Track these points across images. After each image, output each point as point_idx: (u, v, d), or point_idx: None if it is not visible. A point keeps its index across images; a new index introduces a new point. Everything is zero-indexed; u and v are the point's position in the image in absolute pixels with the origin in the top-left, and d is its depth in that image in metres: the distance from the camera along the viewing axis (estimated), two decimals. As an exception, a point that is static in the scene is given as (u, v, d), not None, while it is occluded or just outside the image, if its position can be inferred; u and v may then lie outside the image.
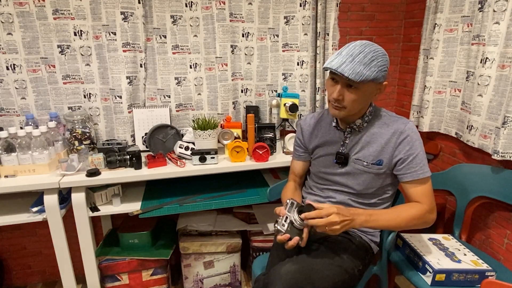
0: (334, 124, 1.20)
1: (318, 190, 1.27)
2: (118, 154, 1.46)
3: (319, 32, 1.78)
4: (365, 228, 1.21)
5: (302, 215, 0.99)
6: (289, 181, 1.40)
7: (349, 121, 1.15)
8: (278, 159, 1.58)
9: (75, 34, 1.57)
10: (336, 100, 1.05)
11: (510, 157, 1.33)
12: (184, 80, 1.76)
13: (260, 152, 1.53)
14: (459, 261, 1.27)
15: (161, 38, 1.68)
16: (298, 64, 1.84)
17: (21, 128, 1.48)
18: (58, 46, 1.57)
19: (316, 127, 1.26)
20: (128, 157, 1.46)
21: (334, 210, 0.96)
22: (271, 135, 1.64)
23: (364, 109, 1.12)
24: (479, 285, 1.18)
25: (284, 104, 1.73)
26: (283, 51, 1.84)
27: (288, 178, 1.41)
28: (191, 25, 1.69)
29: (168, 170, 1.45)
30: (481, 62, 1.42)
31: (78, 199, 1.37)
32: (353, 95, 1.03)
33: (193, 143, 1.57)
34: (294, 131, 1.76)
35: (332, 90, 1.06)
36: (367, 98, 1.06)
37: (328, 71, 1.05)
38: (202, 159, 1.50)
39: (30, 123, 1.52)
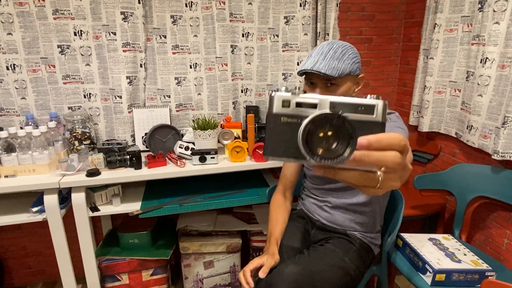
0: None
1: (316, 192, 1.27)
2: (118, 154, 1.46)
3: (319, 32, 1.78)
4: (365, 230, 1.21)
5: (360, 139, 0.40)
6: (276, 193, 1.34)
7: None
8: (278, 159, 1.57)
9: (75, 34, 1.57)
10: None
11: (510, 157, 1.33)
12: (184, 80, 1.76)
13: (260, 152, 1.53)
14: (459, 261, 1.27)
15: (161, 38, 1.68)
16: (298, 64, 1.84)
17: (21, 128, 1.48)
18: (58, 46, 1.57)
19: None
20: (128, 157, 1.46)
21: (401, 141, 0.41)
22: (271, 135, 1.63)
23: None
24: (479, 285, 1.18)
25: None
26: (283, 51, 1.84)
27: (277, 184, 1.36)
28: (191, 25, 1.69)
29: (168, 170, 1.45)
30: (481, 62, 1.42)
31: (78, 199, 1.37)
32: (334, 93, 1.02)
33: (193, 143, 1.57)
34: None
35: None
36: (347, 94, 1.05)
37: (304, 77, 1.05)
38: (202, 159, 1.50)
39: (30, 123, 1.52)
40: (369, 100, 0.41)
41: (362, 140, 0.38)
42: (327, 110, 0.40)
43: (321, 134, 0.38)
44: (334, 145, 0.38)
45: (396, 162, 0.39)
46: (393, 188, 0.44)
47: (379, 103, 0.41)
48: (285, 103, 0.42)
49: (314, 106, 0.42)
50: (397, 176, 0.42)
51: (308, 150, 0.38)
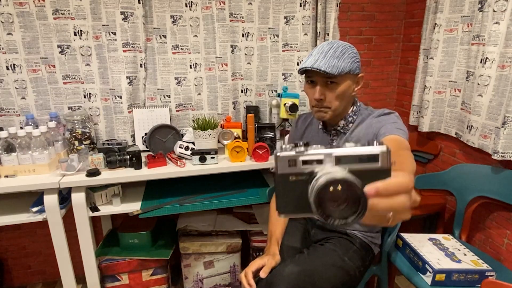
0: (320, 126, 1.20)
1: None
2: (118, 154, 1.46)
3: (319, 32, 1.78)
4: (366, 229, 1.21)
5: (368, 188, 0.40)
6: None
7: (333, 124, 1.14)
8: (278, 159, 1.57)
9: (75, 34, 1.57)
10: (318, 101, 1.04)
11: (510, 157, 1.33)
12: (184, 80, 1.76)
13: (260, 152, 1.53)
14: (459, 261, 1.27)
15: (161, 38, 1.68)
16: (298, 64, 1.84)
17: (21, 128, 1.48)
18: (58, 46, 1.57)
19: (307, 128, 1.27)
20: (128, 157, 1.46)
21: (407, 185, 0.42)
22: (271, 135, 1.64)
23: (346, 108, 1.11)
24: (479, 285, 1.18)
25: (284, 104, 1.73)
26: (283, 51, 1.84)
27: None
28: (191, 25, 1.69)
29: (168, 170, 1.45)
30: (481, 62, 1.42)
31: (78, 199, 1.37)
32: (334, 91, 1.03)
33: (193, 143, 1.57)
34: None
35: (312, 92, 1.06)
36: (347, 93, 1.05)
37: (304, 76, 1.05)
38: (202, 159, 1.50)
39: (30, 123, 1.52)
40: (372, 149, 0.42)
41: (370, 189, 0.39)
42: (331, 174, 0.39)
43: (331, 201, 0.39)
44: (345, 209, 0.39)
45: (405, 206, 0.40)
46: (404, 219, 0.44)
47: (382, 152, 0.42)
48: (291, 162, 0.43)
49: (320, 161, 0.42)
50: (406, 212, 0.42)
51: (323, 216, 0.39)
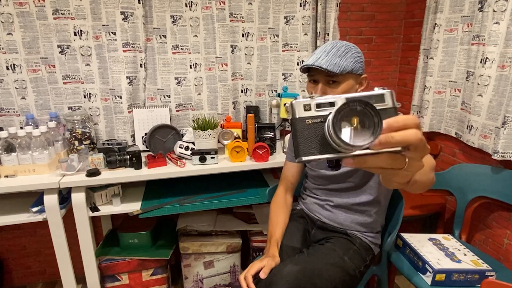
0: None
1: (318, 192, 1.27)
2: (118, 154, 1.46)
3: (319, 32, 1.78)
4: (366, 230, 1.21)
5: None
6: (277, 194, 1.33)
7: None
8: (278, 159, 1.58)
9: (75, 34, 1.57)
10: None
11: (510, 157, 1.33)
12: (184, 80, 1.76)
13: (260, 152, 1.53)
14: (459, 261, 1.27)
15: (161, 38, 1.68)
16: (298, 64, 1.84)
17: (21, 128, 1.48)
18: (58, 46, 1.57)
19: None
20: (128, 157, 1.46)
21: (415, 120, 0.43)
22: (271, 135, 1.64)
23: None
24: (479, 285, 1.18)
25: (284, 104, 1.73)
26: (283, 51, 1.84)
27: (278, 185, 1.35)
28: (191, 25, 1.69)
29: (168, 170, 1.45)
30: (481, 62, 1.42)
31: (78, 199, 1.37)
32: (335, 90, 1.02)
33: (193, 143, 1.57)
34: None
35: (314, 91, 1.05)
36: (349, 92, 1.03)
37: (307, 75, 1.05)
38: (202, 159, 1.50)
39: (30, 123, 1.52)
40: (378, 91, 0.45)
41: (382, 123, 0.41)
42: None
43: (348, 124, 0.42)
44: (361, 131, 0.41)
45: (418, 137, 0.41)
46: (419, 168, 0.45)
47: (387, 92, 0.45)
48: (306, 107, 0.46)
49: (332, 104, 0.46)
50: (419, 155, 0.43)
51: (339, 141, 0.41)
